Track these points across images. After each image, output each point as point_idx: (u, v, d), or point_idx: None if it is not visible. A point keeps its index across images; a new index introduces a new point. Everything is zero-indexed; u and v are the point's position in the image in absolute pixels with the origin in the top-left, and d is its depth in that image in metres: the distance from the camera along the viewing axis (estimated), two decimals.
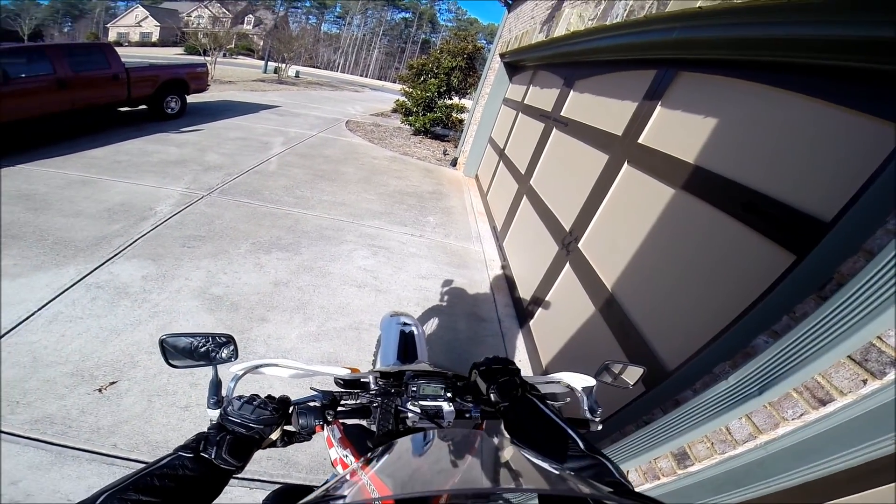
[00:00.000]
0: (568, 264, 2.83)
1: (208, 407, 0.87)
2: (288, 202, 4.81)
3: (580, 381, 1.03)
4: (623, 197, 2.45)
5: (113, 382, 2.21)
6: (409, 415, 0.98)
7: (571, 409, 1.03)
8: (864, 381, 0.94)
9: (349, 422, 1.13)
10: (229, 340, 0.93)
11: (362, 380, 1.05)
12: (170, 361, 0.91)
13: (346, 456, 1.08)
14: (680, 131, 2.09)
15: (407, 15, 69.75)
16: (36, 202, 3.86)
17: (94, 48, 7.05)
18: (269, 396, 0.82)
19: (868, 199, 1.08)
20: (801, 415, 1.01)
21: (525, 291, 3.50)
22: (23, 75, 5.65)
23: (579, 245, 2.74)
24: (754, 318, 1.27)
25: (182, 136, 6.96)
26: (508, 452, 0.58)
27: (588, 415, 0.98)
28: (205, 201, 4.42)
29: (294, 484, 1.00)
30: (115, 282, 2.94)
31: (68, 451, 1.84)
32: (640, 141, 2.39)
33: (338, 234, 4.27)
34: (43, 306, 2.61)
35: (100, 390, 2.16)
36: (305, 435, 0.85)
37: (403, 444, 0.63)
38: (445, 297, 3.59)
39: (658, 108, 2.33)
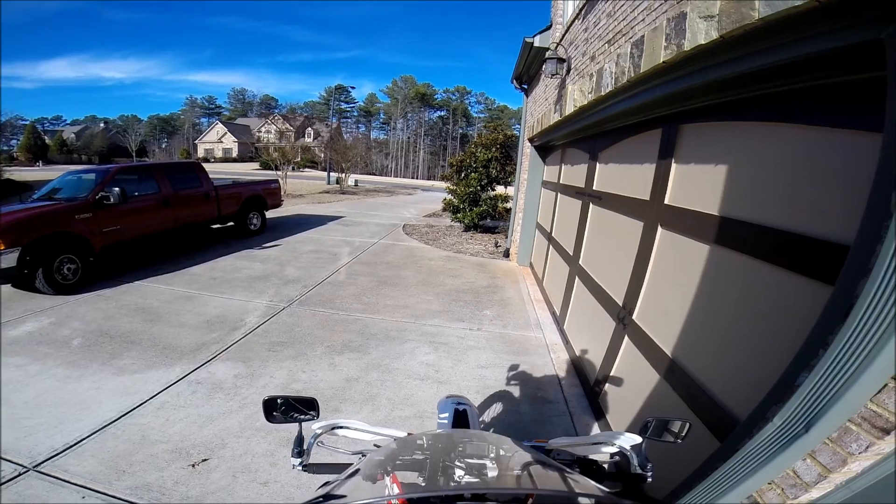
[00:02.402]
0: (626, 338, 2.79)
1: (292, 456, 1.09)
2: (356, 308, 5.22)
3: (627, 440, 1.08)
4: (664, 262, 2.47)
5: (205, 459, 2.50)
6: (457, 470, 1.07)
7: (622, 466, 1.09)
8: None
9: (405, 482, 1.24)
10: (313, 403, 1.17)
11: (417, 441, 1.17)
12: (269, 418, 1.14)
13: None
14: (698, 185, 2.15)
15: (442, 113, 73.93)
16: (150, 314, 4.66)
17: (188, 167, 7.63)
18: None
19: (869, 215, 1.08)
20: (868, 447, 0.96)
21: (590, 370, 3.40)
22: (136, 194, 6.12)
23: (634, 317, 2.71)
24: (799, 355, 1.25)
25: (264, 252, 7.92)
26: (518, 455, 0.66)
27: (639, 470, 1.03)
28: (286, 312, 4.95)
29: None
30: (211, 379, 3.40)
31: None
32: (666, 202, 2.44)
33: (401, 334, 4.51)
34: (153, 396, 3.11)
35: (193, 465, 2.45)
36: (370, 481, 1.01)
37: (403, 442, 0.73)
38: (507, 384, 3.59)
39: (673, 165, 2.41)
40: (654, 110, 2.65)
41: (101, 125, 60.54)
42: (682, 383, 2.05)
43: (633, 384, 2.62)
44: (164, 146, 65.26)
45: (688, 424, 1.07)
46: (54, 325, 4.27)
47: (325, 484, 0.72)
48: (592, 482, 0.58)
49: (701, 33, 1.70)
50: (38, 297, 5.01)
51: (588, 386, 3.39)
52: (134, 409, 2.94)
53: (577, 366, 3.81)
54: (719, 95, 1.96)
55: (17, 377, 3.24)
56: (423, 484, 1.09)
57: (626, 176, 3.20)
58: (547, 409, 3.18)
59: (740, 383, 1.67)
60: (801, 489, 1.07)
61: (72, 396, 3.03)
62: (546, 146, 6.89)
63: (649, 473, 1.01)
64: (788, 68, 1.43)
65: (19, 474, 2.27)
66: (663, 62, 2.04)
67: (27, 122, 54.26)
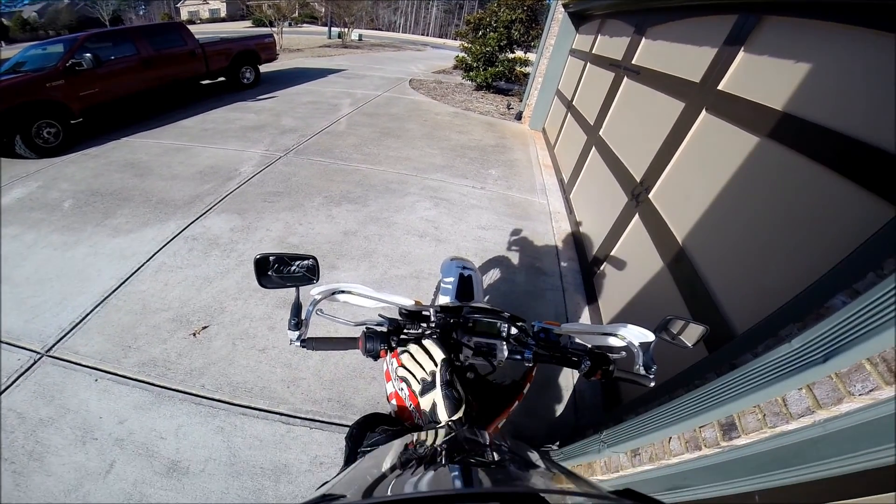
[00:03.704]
0: (637, 216, 2.72)
1: (289, 329, 0.96)
2: (357, 159, 5.02)
3: (638, 335, 0.98)
4: (700, 146, 2.28)
5: (205, 327, 2.50)
6: (464, 349, 1.00)
7: (626, 363, 1.01)
8: None
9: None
10: (313, 265, 1.00)
11: (424, 312, 1.07)
12: (262, 282, 0.98)
13: (402, 389, 1.12)
14: (766, 78, 1.88)
15: None
16: (140, 169, 4.46)
17: (169, 27, 7.58)
18: None
19: None
20: (871, 390, 0.88)
21: (591, 245, 3.43)
22: (112, 58, 6.16)
23: (650, 196, 2.61)
24: (836, 273, 1.15)
25: (259, 104, 7.49)
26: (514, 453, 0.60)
27: (642, 370, 0.96)
28: (282, 161, 4.76)
29: (377, 413, 1.09)
30: (207, 234, 3.33)
31: (166, 392, 2.10)
32: (720, 88, 2.19)
33: (402, 187, 4.41)
34: (150, 258, 3.04)
35: (194, 334, 2.45)
36: (373, 357, 0.97)
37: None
38: (505, 249, 3.61)
39: (741, 53, 2.11)
40: None
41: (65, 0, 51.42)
42: (685, 277, 2.03)
43: (634, 268, 2.63)
44: (141, 13, 59.68)
45: (704, 329, 0.97)
46: (42, 188, 4.09)
47: (325, 484, 0.63)
48: (594, 484, 0.51)
49: None
50: (22, 162, 4.81)
51: (585, 262, 3.44)
52: (132, 274, 2.88)
53: (577, 239, 3.83)
54: None
55: (15, 249, 3.10)
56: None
57: (676, 55, 2.88)
58: (541, 282, 3.26)
59: (748, 292, 1.61)
60: (784, 419, 1.03)
61: (71, 266, 2.94)
62: (582, 14, 6.29)
63: (652, 377, 0.95)
64: None
65: (34, 362, 2.23)
66: None
67: None
